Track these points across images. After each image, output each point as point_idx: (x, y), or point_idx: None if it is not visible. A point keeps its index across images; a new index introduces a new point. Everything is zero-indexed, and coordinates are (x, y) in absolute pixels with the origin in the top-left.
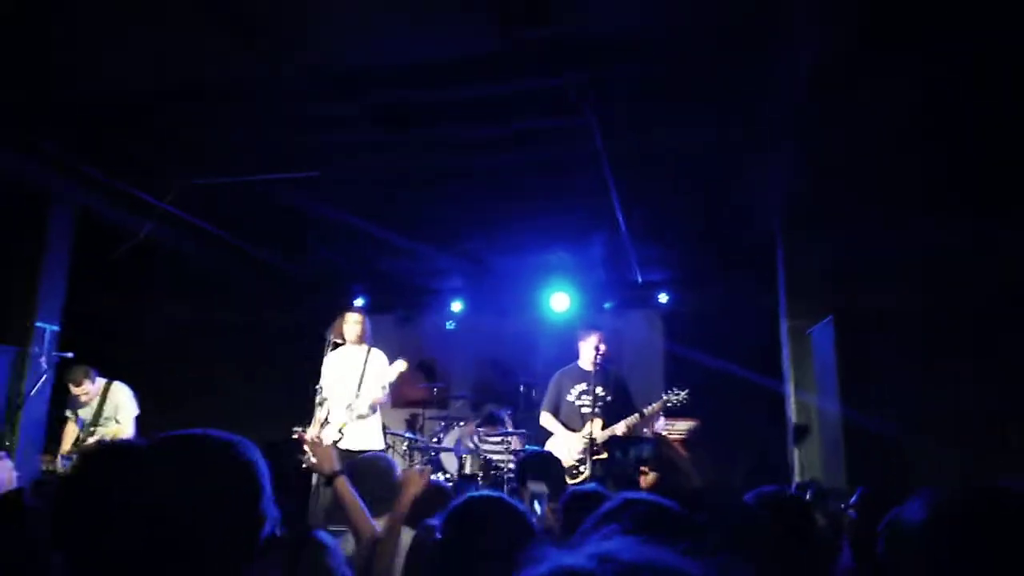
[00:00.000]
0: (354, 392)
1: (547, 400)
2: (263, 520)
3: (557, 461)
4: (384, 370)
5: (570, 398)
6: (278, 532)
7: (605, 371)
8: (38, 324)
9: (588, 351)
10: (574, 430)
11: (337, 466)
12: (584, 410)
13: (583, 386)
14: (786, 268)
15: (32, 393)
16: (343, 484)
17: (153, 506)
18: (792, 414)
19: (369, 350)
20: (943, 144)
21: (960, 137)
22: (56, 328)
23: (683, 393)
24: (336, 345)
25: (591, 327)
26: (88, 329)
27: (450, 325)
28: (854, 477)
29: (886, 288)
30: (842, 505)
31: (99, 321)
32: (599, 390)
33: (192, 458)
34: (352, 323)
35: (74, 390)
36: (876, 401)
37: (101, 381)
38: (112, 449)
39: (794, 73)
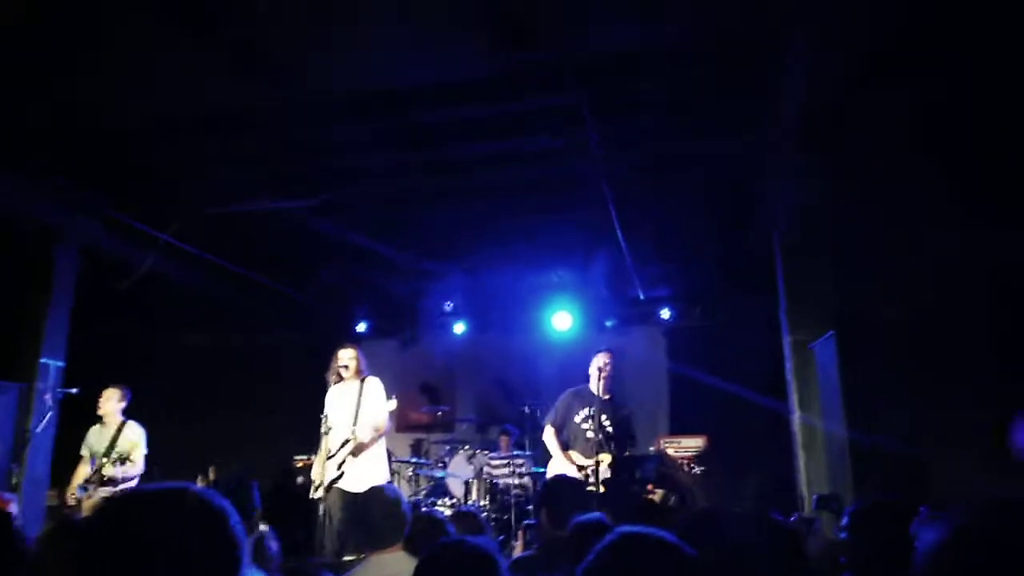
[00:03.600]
0: (351, 426)
1: (554, 415)
2: None
3: (583, 487)
4: (380, 399)
5: (577, 419)
6: None
7: (613, 404)
8: (43, 360)
9: (596, 370)
10: (578, 452)
11: None
12: (589, 435)
13: (588, 411)
14: (786, 282)
15: (38, 429)
16: None
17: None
18: (796, 429)
19: (364, 381)
20: (947, 155)
21: (965, 148)
22: (61, 364)
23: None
24: (338, 379)
25: (600, 348)
26: (97, 361)
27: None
28: (861, 491)
29: (889, 301)
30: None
31: (108, 353)
32: (604, 419)
33: (174, 518)
34: (345, 359)
35: (103, 398)
36: (880, 415)
37: (119, 415)
38: (121, 499)
39: (794, 89)
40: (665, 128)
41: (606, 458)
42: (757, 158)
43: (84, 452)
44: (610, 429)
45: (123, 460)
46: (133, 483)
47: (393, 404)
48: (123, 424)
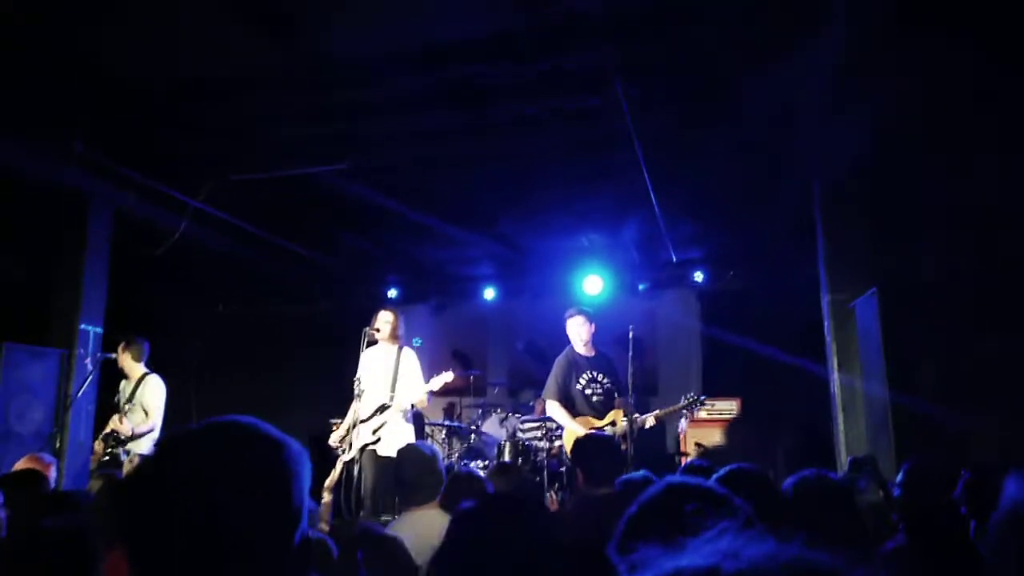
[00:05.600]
0: (388, 393)
1: (554, 387)
2: (299, 518)
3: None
4: (419, 372)
5: (579, 386)
6: (310, 531)
7: (603, 358)
8: (82, 326)
9: (577, 335)
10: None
11: None
12: (595, 399)
13: (587, 375)
14: (826, 240)
15: (79, 394)
16: None
17: (191, 498)
18: (836, 390)
19: (401, 349)
20: (993, 107)
21: (1012, 100)
22: (100, 330)
23: (701, 398)
24: (372, 342)
25: (575, 310)
26: (132, 328)
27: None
28: (903, 453)
29: (932, 257)
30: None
31: (142, 320)
32: (603, 378)
33: (229, 450)
34: (383, 321)
35: (119, 354)
36: (923, 376)
37: (139, 367)
38: (169, 442)
39: (832, 40)
40: (698, 85)
41: (618, 414)
42: (794, 115)
43: (116, 400)
44: (609, 385)
45: (131, 410)
46: (145, 438)
47: (449, 376)
48: (143, 377)
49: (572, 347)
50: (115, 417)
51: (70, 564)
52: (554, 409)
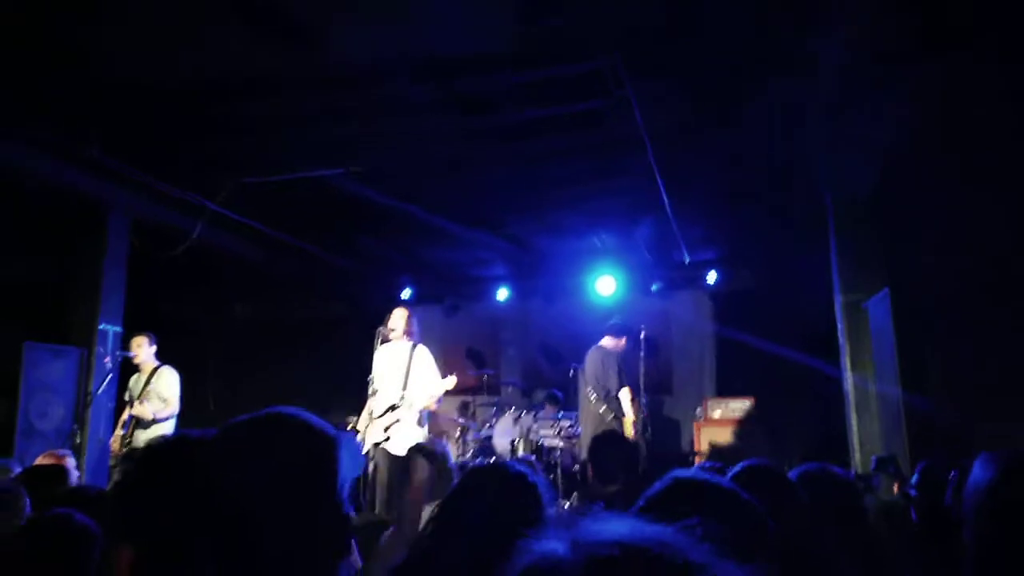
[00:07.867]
0: (399, 391)
1: (626, 378)
2: (336, 496)
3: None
4: (433, 369)
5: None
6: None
7: None
8: (101, 326)
9: (619, 347)
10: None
11: None
12: None
13: None
14: (838, 241)
15: (99, 392)
16: None
17: (218, 495)
18: (849, 390)
19: (414, 346)
20: (1003, 107)
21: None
22: (119, 329)
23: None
24: (385, 340)
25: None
26: (150, 327)
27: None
28: (916, 452)
29: (946, 258)
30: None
31: (160, 319)
32: None
33: (261, 445)
34: (397, 318)
35: (133, 346)
36: (937, 375)
37: (152, 359)
38: (175, 440)
39: (840, 41)
40: (710, 90)
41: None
42: (807, 119)
43: (127, 397)
44: None
45: (147, 398)
46: (167, 423)
47: (453, 382)
48: (156, 368)
49: (609, 349)
50: (135, 405)
51: (63, 558)
52: (631, 397)
